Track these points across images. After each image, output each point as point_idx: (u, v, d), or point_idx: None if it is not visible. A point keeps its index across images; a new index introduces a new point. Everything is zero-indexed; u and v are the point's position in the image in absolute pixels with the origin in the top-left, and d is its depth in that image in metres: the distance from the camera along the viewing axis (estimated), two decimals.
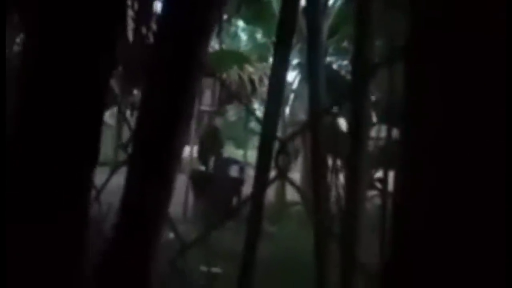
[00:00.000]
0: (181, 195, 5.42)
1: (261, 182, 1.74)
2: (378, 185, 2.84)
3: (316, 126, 1.48)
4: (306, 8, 1.52)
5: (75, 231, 0.79)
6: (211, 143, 6.56)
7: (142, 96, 1.03)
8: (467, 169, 0.35)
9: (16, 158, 0.78)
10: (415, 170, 0.38)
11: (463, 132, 0.33)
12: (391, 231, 0.40)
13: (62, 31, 0.78)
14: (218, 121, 7.27)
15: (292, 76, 6.72)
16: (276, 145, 1.24)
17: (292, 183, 1.39)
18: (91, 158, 0.82)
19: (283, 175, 0.90)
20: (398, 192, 0.43)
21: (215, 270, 2.98)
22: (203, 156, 6.52)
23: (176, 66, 0.96)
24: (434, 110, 0.35)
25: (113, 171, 1.13)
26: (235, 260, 1.85)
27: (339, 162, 3.95)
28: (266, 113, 1.65)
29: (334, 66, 6.72)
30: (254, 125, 8.16)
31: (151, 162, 0.98)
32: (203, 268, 2.97)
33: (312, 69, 1.39)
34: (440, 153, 0.35)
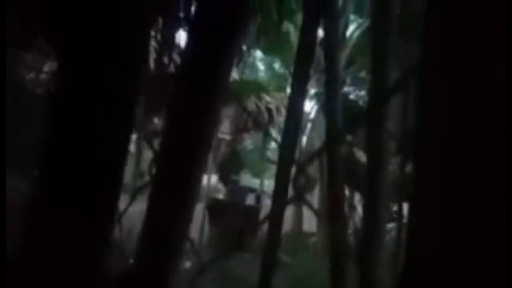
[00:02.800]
0: (197, 223, 5.41)
1: (277, 210, 1.73)
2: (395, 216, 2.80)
3: (333, 155, 1.48)
4: (324, 39, 1.55)
5: (99, 255, 0.81)
6: (231, 164, 6.62)
7: (165, 124, 1.06)
8: (479, 200, 0.35)
9: (45, 184, 0.81)
10: (427, 201, 0.38)
11: (473, 159, 0.34)
12: (405, 261, 0.41)
13: (90, 61, 0.81)
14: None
15: (310, 106, 6.76)
16: (294, 169, 1.25)
17: (310, 205, 1.39)
18: (116, 185, 0.84)
19: (300, 197, 0.90)
20: (410, 224, 0.43)
21: None
22: (223, 175, 6.57)
23: (199, 96, 0.99)
24: (445, 139, 0.35)
25: (133, 197, 1.15)
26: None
27: (356, 194, 3.91)
28: (284, 143, 1.66)
29: (352, 96, 6.74)
30: (271, 154, 8.17)
31: (172, 188, 1.00)
32: None
33: (329, 99, 1.41)
34: (451, 180, 0.36)
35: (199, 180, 1.10)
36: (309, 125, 6.73)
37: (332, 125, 1.37)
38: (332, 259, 1.67)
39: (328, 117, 1.42)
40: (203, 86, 1.01)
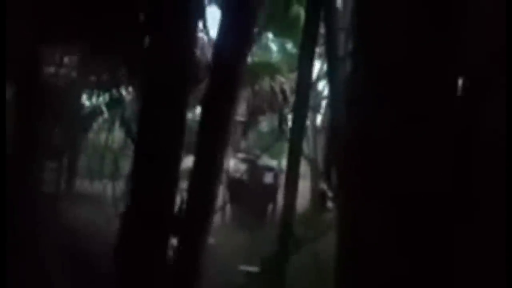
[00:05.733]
0: (218, 203, 5.56)
1: (291, 186, 1.82)
2: None
3: (335, 131, 1.54)
4: (324, 16, 1.58)
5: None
6: None
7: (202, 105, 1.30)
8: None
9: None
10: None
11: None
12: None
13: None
14: (252, 132, 7.37)
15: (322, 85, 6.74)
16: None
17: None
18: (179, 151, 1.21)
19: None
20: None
21: (253, 269, 3.12)
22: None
23: (219, 80, 1.14)
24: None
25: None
26: (271, 261, 1.94)
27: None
28: (294, 119, 1.74)
29: None
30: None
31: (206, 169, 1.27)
32: (243, 267, 3.15)
33: (331, 75, 1.47)
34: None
35: (222, 159, 1.34)
36: (323, 103, 6.74)
37: (334, 100, 1.43)
38: (338, 233, 1.78)
39: (331, 93, 1.48)
40: (222, 70, 1.14)
